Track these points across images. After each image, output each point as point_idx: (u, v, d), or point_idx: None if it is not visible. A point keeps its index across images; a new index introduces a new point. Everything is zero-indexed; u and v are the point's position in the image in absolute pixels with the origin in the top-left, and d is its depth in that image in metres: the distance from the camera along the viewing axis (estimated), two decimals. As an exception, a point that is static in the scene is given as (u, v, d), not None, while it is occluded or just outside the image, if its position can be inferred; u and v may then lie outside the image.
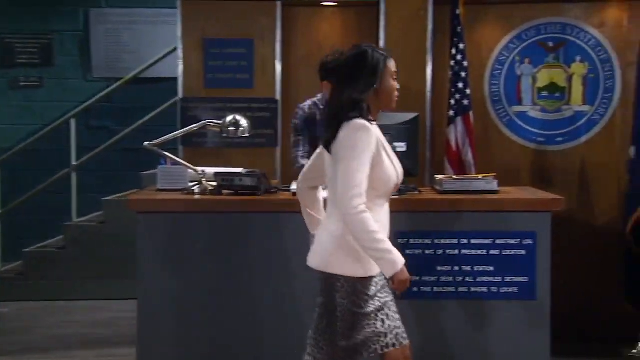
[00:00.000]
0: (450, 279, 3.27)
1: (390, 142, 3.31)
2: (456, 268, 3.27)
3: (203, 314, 3.25)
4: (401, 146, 3.38)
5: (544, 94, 4.88)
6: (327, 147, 2.56)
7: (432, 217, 3.28)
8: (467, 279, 3.26)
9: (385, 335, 2.55)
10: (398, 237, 3.28)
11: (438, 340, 3.26)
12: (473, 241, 3.25)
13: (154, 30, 6.76)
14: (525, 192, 3.48)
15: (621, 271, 4.58)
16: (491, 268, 3.25)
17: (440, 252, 3.27)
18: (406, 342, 2.59)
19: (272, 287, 3.24)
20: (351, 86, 2.53)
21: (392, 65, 2.63)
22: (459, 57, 4.66)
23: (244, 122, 3.57)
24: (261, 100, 4.93)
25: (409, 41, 4.77)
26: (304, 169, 2.79)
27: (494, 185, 3.35)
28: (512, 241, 3.23)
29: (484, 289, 3.25)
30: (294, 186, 3.45)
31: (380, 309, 2.56)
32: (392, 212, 3.22)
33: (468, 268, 3.26)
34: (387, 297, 2.61)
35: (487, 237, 3.24)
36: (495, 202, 3.24)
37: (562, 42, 4.87)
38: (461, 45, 4.67)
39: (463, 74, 4.65)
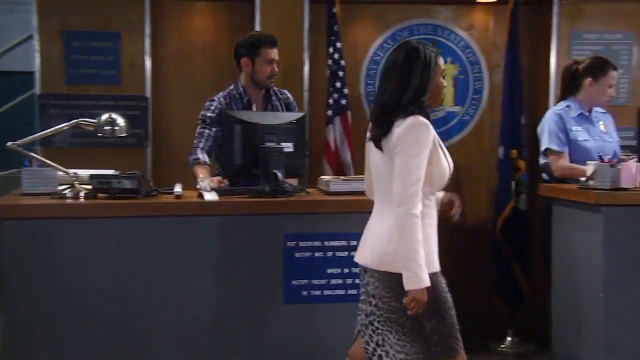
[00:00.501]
0: (340, 281, 3.27)
1: (277, 142, 3.29)
2: (346, 270, 3.27)
3: (77, 328, 3.06)
4: (288, 146, 3.34)
5: (417, 94, 5.02)
6: (378, 143, 2.60)
7: (321, 218, 3.27)
8: (357, 281, 3.27)
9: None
10: (287, 239, 3.24)
11: (328, 344, 3.25)
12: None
13: (10, 19, 6.31)
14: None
15: (492, 268, 4.80)
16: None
17: (330, 254, 3.26)
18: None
19: (156, 294, 3.11)
20: (406, 83, 2.58)
21: (441, 62, 2.68)
22: (336, 55, 4.70)
23: (120, 120, 3.40)
24: (130, 97, 4.73)
25: (285, 39, 4.72)
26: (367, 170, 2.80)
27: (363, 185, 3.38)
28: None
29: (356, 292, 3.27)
30: (177, 188, 3.33)
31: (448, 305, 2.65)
32: (280, 214, 3.21)
33: (357, 270, 3.27)
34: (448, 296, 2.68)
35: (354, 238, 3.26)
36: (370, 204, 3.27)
37: (433, 43, 5.03)
38: (338, 44, 4.70)
39: (340, 73, 4.69)
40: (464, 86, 5.04)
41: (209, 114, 3.84)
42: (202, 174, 3.57)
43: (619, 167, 3.28)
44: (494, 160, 4.87)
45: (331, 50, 4.71)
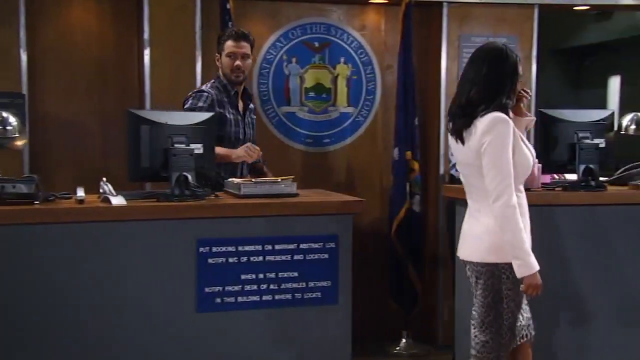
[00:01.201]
0: (255, 287, 3.34)
1: (187, 144, 3.31)
2: (261, 276, 3.35)
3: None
4: (198, 148, 3.37)
5: (311, 94, 5.16)
6: (460, 135, 2.90)
7: (235, 222, 3.32)
8: (272, 286, 3.36)
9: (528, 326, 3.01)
10: (200, 245, 3.27)
11: (242, 352, 3.32)
12: (277, 247, 3.36)
13: None
14: (323, 195, 3.68)
15: (388, 270, 5.02)
16: (295, 274, 3.38)
17: (244, 259, 3.33)
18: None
19: (60, 303, 3.05)
20: (492, 82, 2.90)
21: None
22: (230, 53, 4.74)
23: (12, 120, 3.30)
24: (3, 94, 4.53)
25: (176, 35, 4.74)
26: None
27: (293, 188, 3.49)
28: (316, 245, 3.40)
29: (289, 296, 3.37)
30: (80, 192, 3.27)
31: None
32: (192, 219, 3.24)
33: (272, 275, 3.36)
34: None
35: (292, 241, 3.36)
36: (299, 206, 3.38)
37: (327, 42, 5.19)
38: (233, 42, 4.74)
39: (236, 72, 4.73)
40: (357, 87, 5.23)
41: (200, 104, 3.93)
42: (224, 151, 3.83)
43: (522, 168, 3.55)
44: (388, 161, 5.09)
45: (225, 47, 4.74)
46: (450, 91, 5.03)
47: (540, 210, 3.59)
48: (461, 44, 5.08)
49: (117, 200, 3.24)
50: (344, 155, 5.21)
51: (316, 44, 5.16)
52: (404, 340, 5.05)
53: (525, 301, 3.00)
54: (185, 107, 4.03)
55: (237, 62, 4.04)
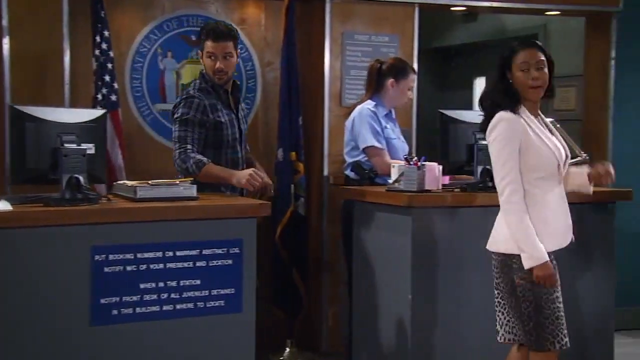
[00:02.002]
0: (155, 296, 3.33)
1: (78, 144, 3.26)
2: (161, 284, 3.34)
3: None
4: (89, 148, 3.32)
5: (188, 90, 5.14)
6: (484, 133, 3.29)
7: (133, 228, 3.30)
8: (173, 295, 3.36)
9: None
10: (95, 252, 3.23)
11: (141, 367, 3.30)
12: (179, 253, 3.36)
13: None
14: (223, 198, 3.72)
15: (272, 276, 5.11)
16: (198, 281, 3.40)
17: (143, 267, 3.31)
18: None
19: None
20: (497, 80, 3.33)
21: (519, 59, 3.28)
22: (104, 45, 4.67)
23: None
24: None
25: (39, 24, 4.62)
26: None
27: (192, 191, 3.51)
28: (219, 251, 3.43)
29: (191, 305, 3.39)
30: (2, 206, 3.14)
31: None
32: (85, 224, 3.19)
33: (174, 283, 3.36)
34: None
35: (194, 247, 3.38)
36: (201, 209, 3.41)
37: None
38: (106, 32, 4.68)
39: (110, 65, 4.67)
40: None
41: (192, 113, 3.86)
42: (224, 171, 3.86)
43: (424, 169, 3.77)
44: (270, 162, 5.18)
45: (98, 39, 4.66)
46: (333, 89, 5.22)
47: (441, 212, 3.82)
48: (344, 41, 5.26)
49: (1, 206, 3.13)
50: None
51: (193, 38, 5.17)
52: (287, 349, 5.15)
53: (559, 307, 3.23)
54: (176, 117, 3.94)
55: (219, 65, 3.98)
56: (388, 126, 4.48)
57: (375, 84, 4.58)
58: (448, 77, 8.09)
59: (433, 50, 7.88)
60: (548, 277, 3.16)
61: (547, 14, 6.05)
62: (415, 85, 4.78)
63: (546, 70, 3.32)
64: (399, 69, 4.50)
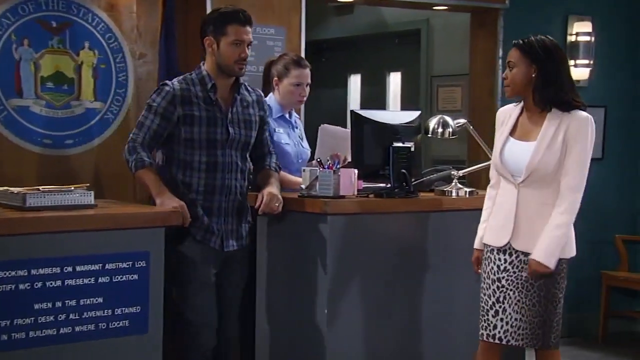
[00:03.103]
0: (52, 318, 3.24)
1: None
2: (59, 304, 3.25)
3: None
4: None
5: (50, 85, 4.98)
6: None
7: (25, 241, 3.19)
8: (72, 316, 3.29)
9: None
10: (-16, 270, 3.10)
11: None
12: (79, 268, 3.29)
13: None
14: (124, 206, 3.67)
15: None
16: (100, 300, 3.34)
17: (38, 285, 3.21)
18: None
19: None
20: None
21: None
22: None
23: None
24: None
25: None
26: None
27: (90, 198, 3.44)
28: (124, 265, 3.38)
29: (92, 327, 3.32)
30: None
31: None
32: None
33: (73, 303, 3.29)
34: None
35: (96, 261, 3.32)
36: (104, 219, 3.35)
37: (67, 22, 5.04)
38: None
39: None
40: (106, 78, 5.15)
41: (158, 101, 3.75)
42: (156, 185, 3.76)
43: (339, 173, 3.87)
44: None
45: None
46: (216, 85, 5.20)
47: (358, 219, 3.93)
48: (227, 33, 5.27)
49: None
50: (90, 159, 5.11)
51: (53, 24, 5.00)
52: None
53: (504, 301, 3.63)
54: (147, 101, 3.90)
55: (246, 52, 3.80)
56: (281, 130, 4.51)
57: (265, 84, 4.64)
58: (319, 74, 8.25)
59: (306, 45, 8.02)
60: (474, 261, 3.87)
61: (434, 9, 6.34)
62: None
63: (518, 70, 3.58)
64: (281, 65, 4.56)
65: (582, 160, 3.53)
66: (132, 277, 3.42)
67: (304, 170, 4.01)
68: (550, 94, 3.56)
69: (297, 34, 5.51)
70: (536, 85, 3.57)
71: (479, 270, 3.79)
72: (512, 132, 3.67)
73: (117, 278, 3.39)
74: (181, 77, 3.92)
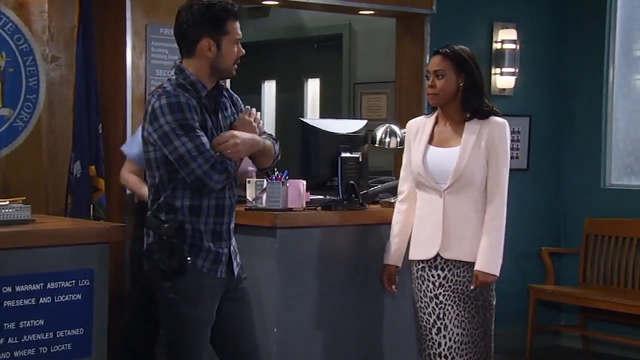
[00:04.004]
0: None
1: None
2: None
3: None
4: None
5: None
6: None
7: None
8: (11, 340, 3.23)
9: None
10: None
11: None
12: (19, 288, 3.25)
13: None
14: (64, 220, 3.65)
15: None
16: (41, 322, 3.30)
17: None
18: None
19: None
20: None
21: None
22: None
23: None
24: None
25: None
26: None
27: (27, 212, 3.41)
28: (67, 284, 3.35)
29: (32, 352, 3.27)
30: None
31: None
32: None
33: (12, 326, 3.24)
34: None
35: (37, 281, 3.28)
36: (44, 235, 3.31)
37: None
38: None
39: None
40: (15, 83, 5.08)
41: (189, 116, 3.23)
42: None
43: (287, 185, 3.93)
44: (58, 178, 5.07)
45: None
46: (137, 92, 5.22)
47: (303, 232, 4.00)
48: (149, 35, 5.29)
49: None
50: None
51: None
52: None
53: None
54: (172, 126, 3.22)
55: (241, 50, 3.43)
56: None
57: None
58: (231, 79, 8.29)
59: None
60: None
61: (360, 14, 6.46)
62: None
63: (448, 79, 3.69)
64: None
65: (505, 164, 3.78)
66: (75, 296, 3.39)
67: (248, 181, 4.06)
68: (476, 102, 3.78)
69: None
70: (464, 94, 3.78)
71: (395, 289, 4.01)
72: (430, 141, 3.83)
73: (60, 298, 3.35)
74: (170, 83, 3.35)
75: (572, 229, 6.95)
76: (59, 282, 3.35)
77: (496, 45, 6.64)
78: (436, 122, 3.85)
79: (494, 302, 3.83)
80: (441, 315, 3.75)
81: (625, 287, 6.53)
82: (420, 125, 3.87)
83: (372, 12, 6.34)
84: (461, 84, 3.75)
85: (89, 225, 3.55)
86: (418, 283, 3.82)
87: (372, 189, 4.49)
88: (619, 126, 6.87)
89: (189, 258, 3.29)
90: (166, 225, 3.27)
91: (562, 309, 7.01)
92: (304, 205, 4.06)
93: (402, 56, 6.52)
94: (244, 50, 3.43)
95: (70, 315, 3.38)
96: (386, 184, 4.53)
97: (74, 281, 3.39)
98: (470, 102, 3.76)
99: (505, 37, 6.66)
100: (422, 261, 3.80)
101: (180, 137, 3.22)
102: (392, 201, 4.34)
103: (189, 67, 3.39)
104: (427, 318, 3.78)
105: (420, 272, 3.81)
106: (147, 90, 5.23)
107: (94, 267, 3.43)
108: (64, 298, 3.37)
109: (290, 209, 3.98)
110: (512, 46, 6.65)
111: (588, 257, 6.76)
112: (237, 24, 3.41)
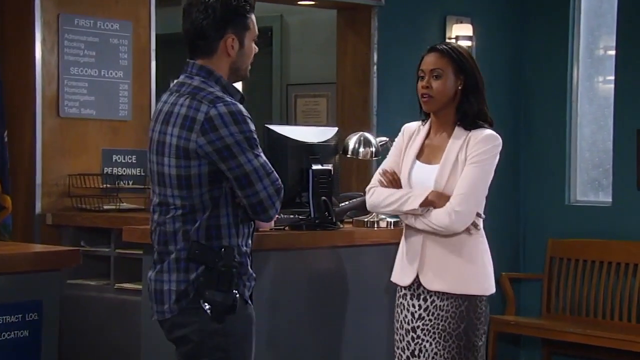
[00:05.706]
0: None
1: None
2: None
3: None
4: None
5: None
6: None
7: None
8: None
9: None
10: None
11: None
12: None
13: None
14: (14, 245, 3.63)
15: None
16: (-14, 363, 3.30)
17: None
18: None
19: None
20: None
21: None
22: None
23: None
24: None
25: None
26: None
27: (-35, 235, 3.40)
28: (12, 318, 3.34)
29: (-29, 401, 3.27)
30: None
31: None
32: None
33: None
34: None
35: (-20, 314, 3.28)
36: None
37: None
38: None
39: None
40: None
41: (253, 128, 3.23)
42: None
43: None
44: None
45: None
46: (48, 93, 5.21)
47: (268, 256, 4.07)
48: (62, 27, 5.30)
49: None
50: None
51: None
52: None
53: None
54: (236, 139, 3.18)
55: (257, 48, 3.46)
56: None
57: None
58: (173, 69, 8.28)
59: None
60: None
61: (299, 4, 6.55)
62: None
63: (446, 80, 3.75)
64: None
65: (479, 165, 3.75)
66: (22, 333, 3.38)
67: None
68: (474, 109, 3.79)
69: (147, 28, 5.59)
70: (461, 99, 3.79)
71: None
72: (418, 156, 3.86)
73: (4, 336, 3.34)
74: (216, 90, 3.29)
75: (533, 252, 7.16)
76: (4, 317, 3.34)
77: (451, 42, 6.78)
78: (428, 134, 3.86)
79: (480, 344, 3.83)
80: (416, 352, 3.79)
81: (594, 317, 6.74)
82: (413, 133, 3.88)
83: (312, 2, 6.42)
84: (460, 87, 3.78)
85: (37, 250, 3.54)
86: (397, 312, 3.88)
87: (340, 205, 4.55)
88: (584, 134, 7.09)
89: (235, 290, 3.20)
90: (223, 251, 3.20)
91: (522, 343, 7.17)
92: (271, 225, 4.10)
93: (344, 54, 6.60)
94: (257, 48, 3.45)
95: (16, 355, 3.37)
96: (354, 200, 4.56)
97: (20, 315, 3.37)
98: (467, 109, 3.78)
99: (460, 32, 6.83)
100: (405, 287, 3.85)
101: (246, 152, 3.21)
102: (366, 220, 4.44)
103: (219, 70, 3.35)
104: (400, 353, 3.84)
105: (401, 300, 3.86)
106: (61, 92, 5.25)
107: (42, 298, 3.43)
108: (9, 335, 3.35)
109: (256, 230, 4.03)
110: (467, 42, 6.79)
111: (552, 283, 6.95)
112: (255, 19, 3.43)
